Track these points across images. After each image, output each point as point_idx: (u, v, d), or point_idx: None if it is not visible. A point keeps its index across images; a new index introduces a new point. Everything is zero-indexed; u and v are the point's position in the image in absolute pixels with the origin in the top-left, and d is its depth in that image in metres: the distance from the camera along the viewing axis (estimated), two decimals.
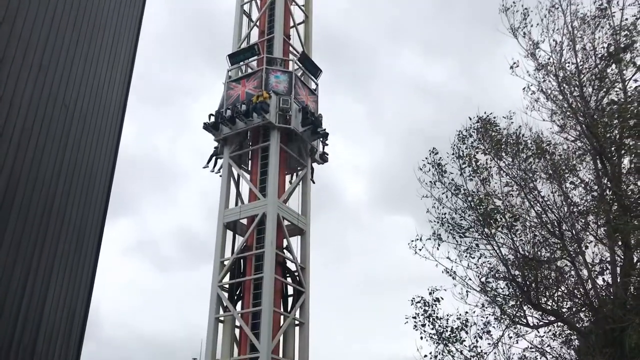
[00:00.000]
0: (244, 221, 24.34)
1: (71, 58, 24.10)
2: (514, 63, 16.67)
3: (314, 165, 25.95)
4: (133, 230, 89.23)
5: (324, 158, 25.63)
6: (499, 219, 15.80)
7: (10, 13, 19.96)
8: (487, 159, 16.90)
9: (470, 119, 17.14)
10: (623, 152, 14.84)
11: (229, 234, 24.44)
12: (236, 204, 24.84)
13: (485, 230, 15.86)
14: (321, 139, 25.46)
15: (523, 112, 16.82)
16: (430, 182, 17.28)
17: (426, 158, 17.46)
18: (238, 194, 25.22)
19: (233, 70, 26.12)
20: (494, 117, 17.01)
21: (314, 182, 25.71)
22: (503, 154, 16.61)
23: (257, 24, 27.65)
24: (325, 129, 25.12)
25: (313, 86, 26.19)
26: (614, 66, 15.31)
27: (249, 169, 25.74)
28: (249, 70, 26.23)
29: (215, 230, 24.19)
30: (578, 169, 16.25)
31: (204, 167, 25.61)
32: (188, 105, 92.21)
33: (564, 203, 15.54)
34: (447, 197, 16.98)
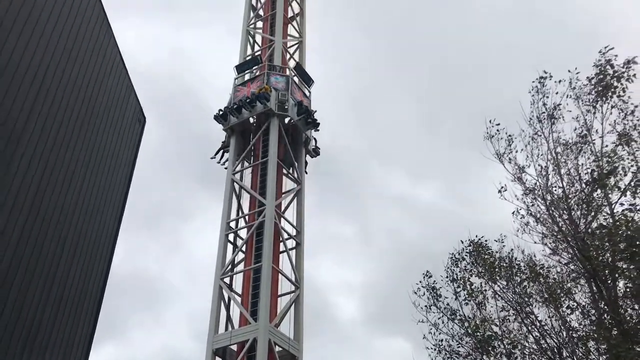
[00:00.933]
0: (234, 346, 23.51)
1: (65, 190, 24.49)
2: (502, 187, 17.02)
3: (308, 158, 28.14)
4: (119, 355, 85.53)
5: (316, 151, 28.36)
6: (497, 346, 15.37)
7: (11, 144, 20.49)
8: (481, 282, 16.78)
9: (462, 242, 17.23)
10: (617, 275, 14.76)
11: None
12: (226, 329, 24.13)
13: (484, 358, 15.36)
14: (313, 130, 28.11)
15: (514, 234, 16.94)
16: (426, 306, 17.02)
17: (420, 281, 17.32)
18: (228, 318, 24.60)
19: (239, 78, 29.80)
20: (486, 241, 17.10)
21: (306, 173, 27.82)
22: (497, 277, 16.50)
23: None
24: (317, 120, 27.89)
25: (307, 93, 29.63)
26: (599, 190, 15.64)
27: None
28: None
29: (203, 356, 23.27)
30: (574, 292, 16.08)
31: (211, 158, 27.87)
32: (179, 226, 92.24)
33: (563, 328, 15.21)
34: (443, 322, 16.65)
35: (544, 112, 16.98)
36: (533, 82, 17.34)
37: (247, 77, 30.00)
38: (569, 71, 16.80)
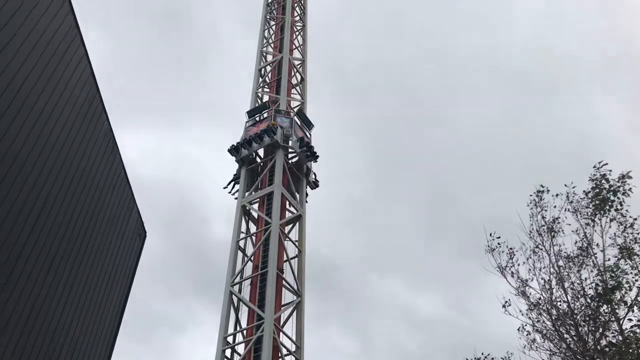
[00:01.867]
0: None
1: (62, 307, 24.02)
2: (506, 302, 16.73)
3: (307, 189, 30.48)
4: None
5: (316, 184, 31.32)
6: None
7: (6, 269, 20.28)
8: None
9: None
10: None
11: None
12: None
13: None
14: (313, 162, 31.00)
15: (520, 351, 16.37)
16: None
17: None
18: None
19: (249, 121, 32.94)
20: (492, 359, 16.52)
21: (307, 202, 29.77)
22: None
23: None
24: (316, 153, 31.00)
25: (308, 134, 32.60)
26: (605, 306, 15.34)
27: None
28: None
29: None
30: None
31: (224, 188, 30.37)
32: (173, 340, 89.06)
33: None
34: None
35: (543, 226, 17.05)
36: (531, 195, 17.59)
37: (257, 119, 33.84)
38: (565, 185, 17.11)
